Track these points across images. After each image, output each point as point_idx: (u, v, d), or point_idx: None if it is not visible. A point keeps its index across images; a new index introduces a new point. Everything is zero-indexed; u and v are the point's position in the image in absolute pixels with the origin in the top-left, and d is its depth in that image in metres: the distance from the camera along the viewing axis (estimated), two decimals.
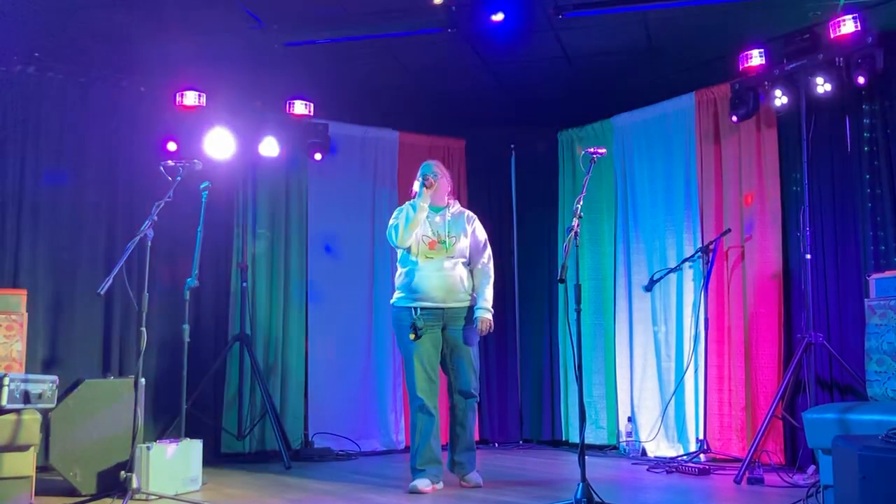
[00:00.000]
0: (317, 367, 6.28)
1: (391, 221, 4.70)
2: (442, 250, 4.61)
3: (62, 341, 5.42)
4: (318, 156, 6.12)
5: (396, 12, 4.90)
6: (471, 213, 4.84)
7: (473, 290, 4.70)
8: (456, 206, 4.81)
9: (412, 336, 4.49)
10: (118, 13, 4.83)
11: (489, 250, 4.81)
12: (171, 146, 5.54)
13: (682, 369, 5.81)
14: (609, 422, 6.34)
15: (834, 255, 5.13)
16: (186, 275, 4.84)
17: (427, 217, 4.64)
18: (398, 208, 4.75)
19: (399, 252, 4.73)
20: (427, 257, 4.60)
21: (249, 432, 5.88)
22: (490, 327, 4.67)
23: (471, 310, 4.65)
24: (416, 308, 4.54)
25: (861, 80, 4.70)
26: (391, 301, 4.73)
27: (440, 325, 4.60)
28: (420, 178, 4.64)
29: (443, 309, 4.58)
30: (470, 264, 4.73)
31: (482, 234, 4.80)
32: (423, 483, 4.39)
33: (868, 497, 2.59)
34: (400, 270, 4.71)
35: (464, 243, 4.68)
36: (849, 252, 5.06)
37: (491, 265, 4.78)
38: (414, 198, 4.66)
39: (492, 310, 4.69)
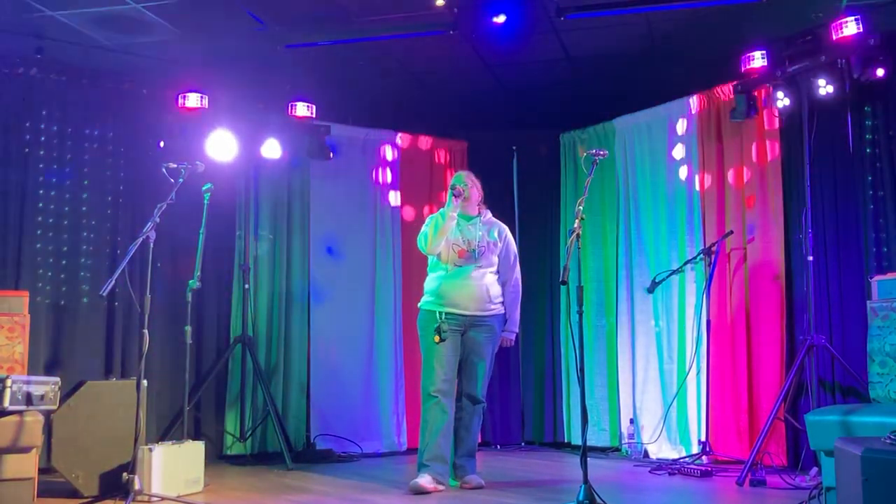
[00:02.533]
0: (319, 368, 6.28)
1: (422, 229, 4.78)
2: (471, 259, 4.68)
3: (64, 343, 5.42)
4: (330, 154, 6.13)
5: (398, 14, 4.90)
6: (503, 226, 4.91)
7: (499, 299, 4.76)
8: (487, 216, 4.88)
9: (437, 338, 4.56)
10: (121, 15, 4.84)
11: (519, 268, 4.91)
12: (162, 143, 5.54)
13: (684, 371, 5.80)
14: (611, 423, 6.33)
15: (836, 257, 5.12)
16: (188, 276, 4.84)
17: (458, 226, 4.71)
18: (430, 216, 4.82)
19: (430, 258, 4.79)
20: (456, 265, 4.67)
21: (251, 434, 5.89)
22: (511, 345, 4.94)
23: (494, 318, 4.72)
24: (441, 312, 4.60)
25: (864, 81, 4.70)
26: (418, 304, 4.79)
27: (461, 330, 4.66)
28: (451, 189, 4.70)
29: (467, 315, 4.64)
30: (499, 274, 4.81)
31: (513, 248, 4.90)
32: (425, 479, 4.39)
33: (870, 499, 2.59)
34: (430, 276, 4.79)
35: (493, 254, 4.76)
36: (851, 254, 5.05)
37: (520, 284, 4.91)
38: (444, 207, 4.72)
39: (517, 331, 4.91)
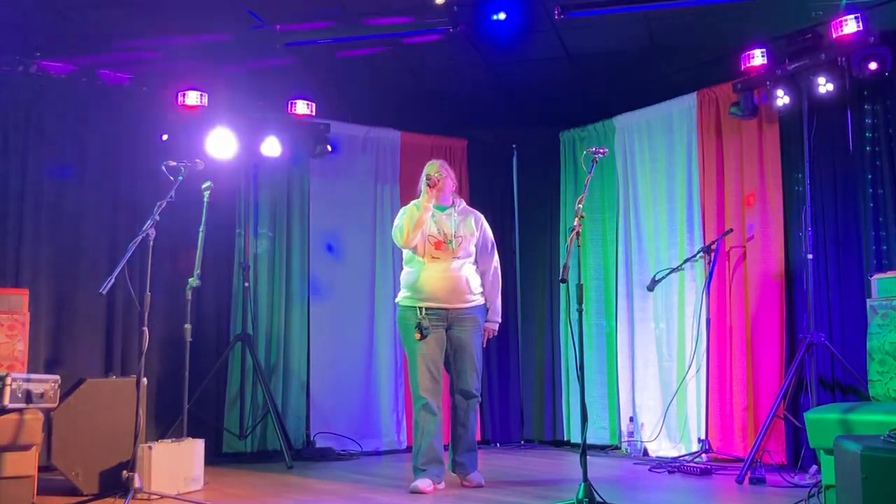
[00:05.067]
0: (318, 366, 6.29)
1: (396, 222, 4.67)
2: (448, 250, 4.58)
3: (64, 341, 5.42)
4: (328, 150, 6.12)
5: (398, 12, 4.90)
6: (478, 214, 4.82)
7: (479, 290, 4.70)
8: (462, 205, 4.79)
9: (418, 336, 4.48)
10: (120, 13, 4.84)
11: (497, 256, 4.83)
12: (165, 137, 5.54)
13: (683, 369, 5.80)
14: (611, 422, 6.33)
15: (836, 255, 5.12)
16: (188, 274, 4.84)
17: (433, 217, 4.61)
18: (403, 208, 4.72)
19: (405, 251, 4.71)
20: (433, 257, 4.58)
21: (251, 432, 5.89)
22: (494, 335, 4.84)
23: (475, 310, 4.66)
24: (421, 308, 4.54)
25: (863, 78, 4.70)
26: (396, 300, 4.72)
27: (444, 325, 4.59)
28: (424, 178, 4.61)
29: (447, 309, 4.57)
30: (477, 265, 4.73)
31: (490, 237, 4.81)
32: (424, 483, 4.38)
33: (870, 497, 2.59)
34: (406, 270, 4.69)
35: (470, 243, 4.66)
36: (851, 252, 5.05)
37: (499, 272, 4.83)
38: (418, 198, 4.63)
39: (500, 320, 4.83)
